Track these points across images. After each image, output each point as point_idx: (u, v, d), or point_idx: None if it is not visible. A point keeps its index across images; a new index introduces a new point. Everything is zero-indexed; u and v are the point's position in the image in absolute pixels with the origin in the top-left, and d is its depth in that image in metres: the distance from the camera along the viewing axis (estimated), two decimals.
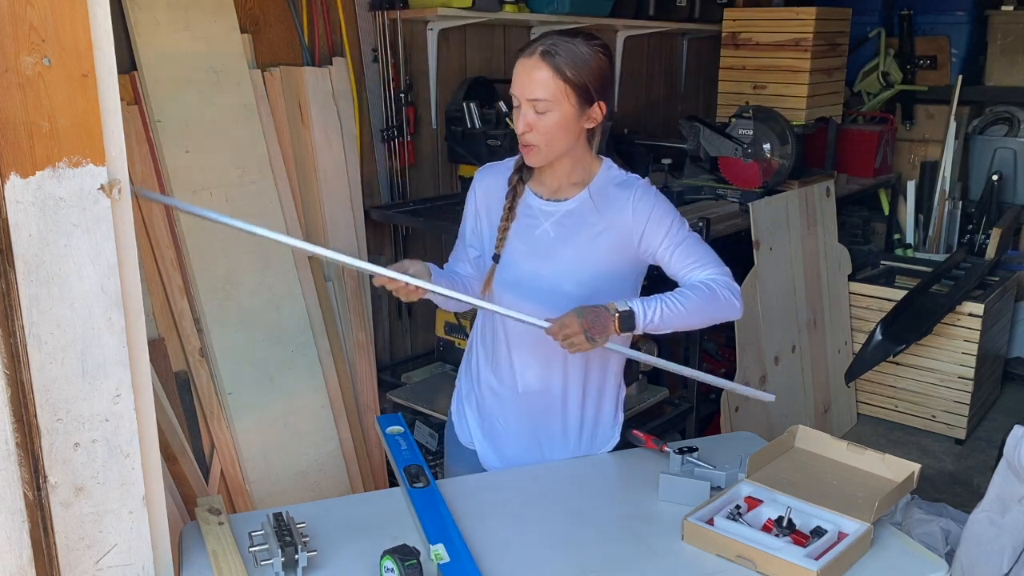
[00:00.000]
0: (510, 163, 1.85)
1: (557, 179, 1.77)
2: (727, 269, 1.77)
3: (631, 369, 2.89)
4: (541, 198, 1.79)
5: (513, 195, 1.79)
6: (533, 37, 1.70)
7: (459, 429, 1.99)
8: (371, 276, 1.65)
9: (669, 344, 3.38)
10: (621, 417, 1.96)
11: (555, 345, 1.70)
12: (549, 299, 1.72)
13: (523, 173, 1.79)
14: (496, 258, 1.79)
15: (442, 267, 1.87)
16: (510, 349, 1.84)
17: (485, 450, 1.94)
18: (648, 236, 1.73)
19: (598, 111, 1.69)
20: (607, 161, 1.80)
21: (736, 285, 1.75)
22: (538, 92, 1.64)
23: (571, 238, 1.75)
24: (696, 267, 1.74)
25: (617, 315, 1.62)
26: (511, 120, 3.03)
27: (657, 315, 1.65)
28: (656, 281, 1.88)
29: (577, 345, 1.61)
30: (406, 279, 1.61)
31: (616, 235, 1.74)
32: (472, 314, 1.92)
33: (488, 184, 1.85)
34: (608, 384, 1.91)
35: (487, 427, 1.93)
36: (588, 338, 1.59)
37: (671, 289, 1.72)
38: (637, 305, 1.65)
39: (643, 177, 1.81)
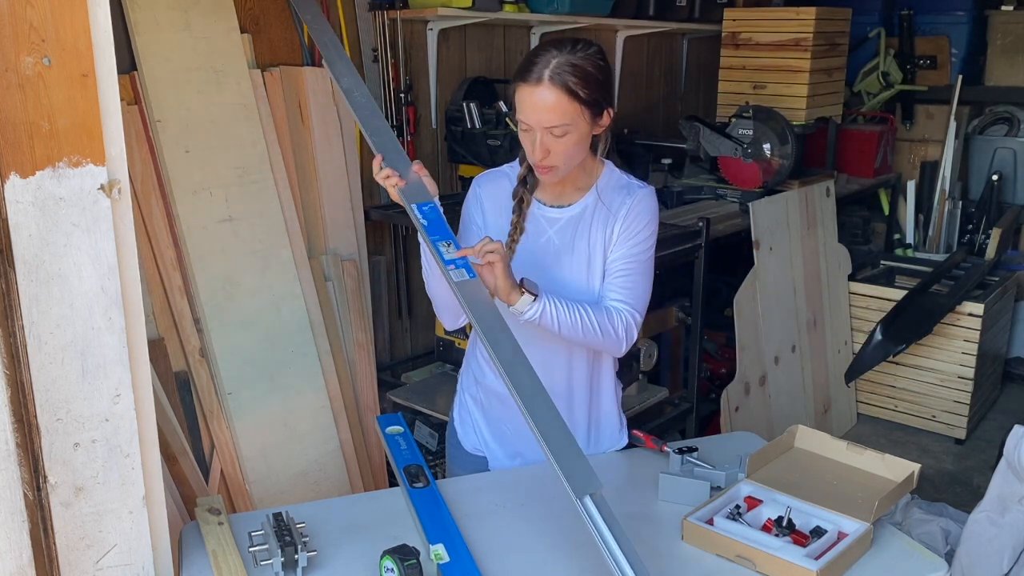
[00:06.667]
0: (506, 169, 1.84)
1: (562, 186, 1.77)
2: (641, 311, 1.76)
3: (631, 369, 2.89)
4: (545, 205, 1.79)
5: (520, 209, 1.77)
6: (533, 56, 1.61)
7: (464, 436, 1.98)
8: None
9: (669, 344, 3.38)
10: (625, 420, 1.96)
11: (556, 345, 1.72)
12: None
13: (528, 182, 1.77)
14: None
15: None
16: None
17: (498, 454, 1.93)
18: (618, 239, 1.74)
19: (607, 117, 1.69)
20: (609, 164, 1.80)
21: (636, 330, 1.74)
22: (555, 119, 1.60)
23: (574, 244, 1.76)
24: (623, 291, 1.73)
25: (523, 280, 1.62)
26: (511, 120, 3.06)
27: (558, 306, 1.63)
28: None
29: (494, 264, 1.57)
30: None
31: (608, 234, 1.75)
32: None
33: (489, 191, 1.83)
34: (604, 383, 1.90)
35: (498, 433, 1.92)
36: (505, 268, 1.58)
37: None
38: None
39: (644, 180, 1.80)
